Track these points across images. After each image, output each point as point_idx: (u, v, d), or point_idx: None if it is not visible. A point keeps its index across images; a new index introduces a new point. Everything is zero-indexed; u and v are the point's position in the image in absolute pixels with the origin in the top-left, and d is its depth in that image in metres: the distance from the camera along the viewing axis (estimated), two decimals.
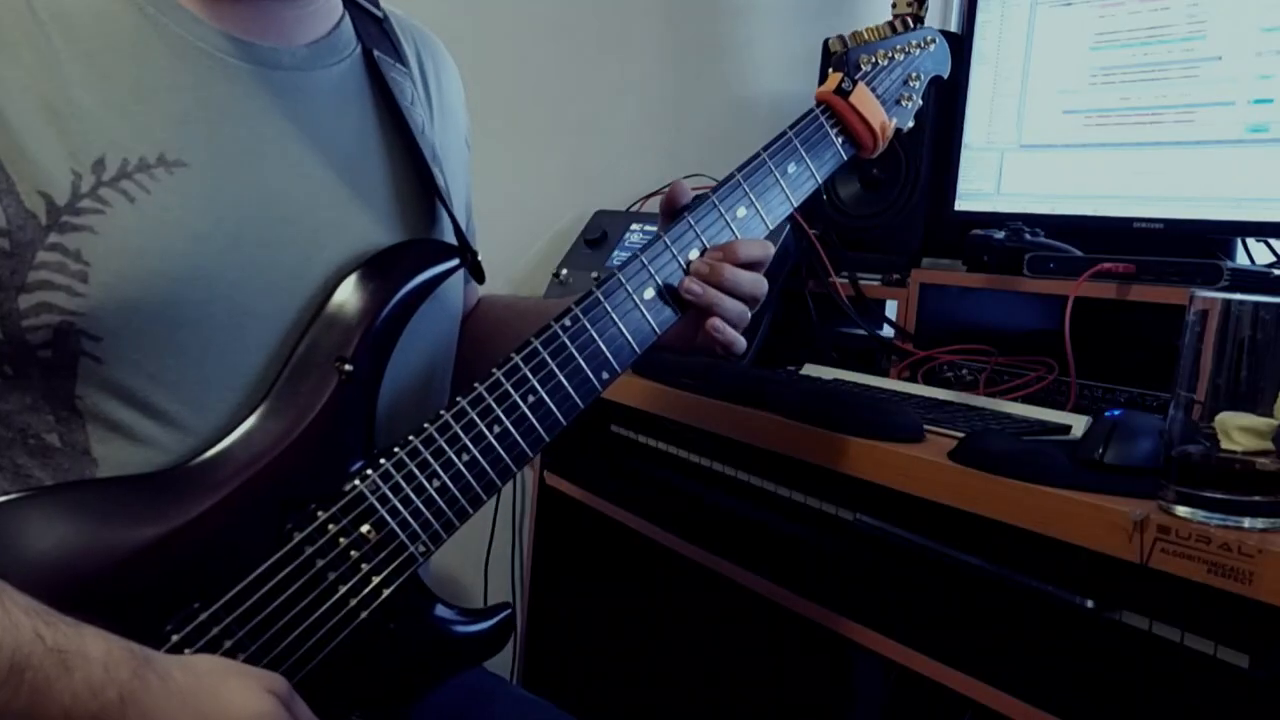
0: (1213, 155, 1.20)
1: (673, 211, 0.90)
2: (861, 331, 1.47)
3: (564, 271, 1.68)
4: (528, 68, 1.81)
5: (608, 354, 0.85)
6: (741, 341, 0.91)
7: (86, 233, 0.72)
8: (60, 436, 0.75)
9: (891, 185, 1.50)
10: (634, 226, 1.68)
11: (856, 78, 0.95)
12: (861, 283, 1.47)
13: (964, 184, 1.45)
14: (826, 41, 1.61)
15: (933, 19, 1.75)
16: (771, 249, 0.91)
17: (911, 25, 1.01)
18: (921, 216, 1.48)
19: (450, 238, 0.91)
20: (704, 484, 1.35)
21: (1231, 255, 1.29)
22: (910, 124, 1.01)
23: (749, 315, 0.90)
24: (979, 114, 1.44)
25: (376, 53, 0.89)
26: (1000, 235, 1.29)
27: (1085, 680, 0.88)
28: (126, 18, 0.76)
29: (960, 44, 1.46)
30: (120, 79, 0.75)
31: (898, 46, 0.99)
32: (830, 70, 0.97)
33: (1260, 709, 0.77)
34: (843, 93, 0.94)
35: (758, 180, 0.91)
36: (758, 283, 0.90)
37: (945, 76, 1.06)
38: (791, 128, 0.94)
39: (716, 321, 0.88)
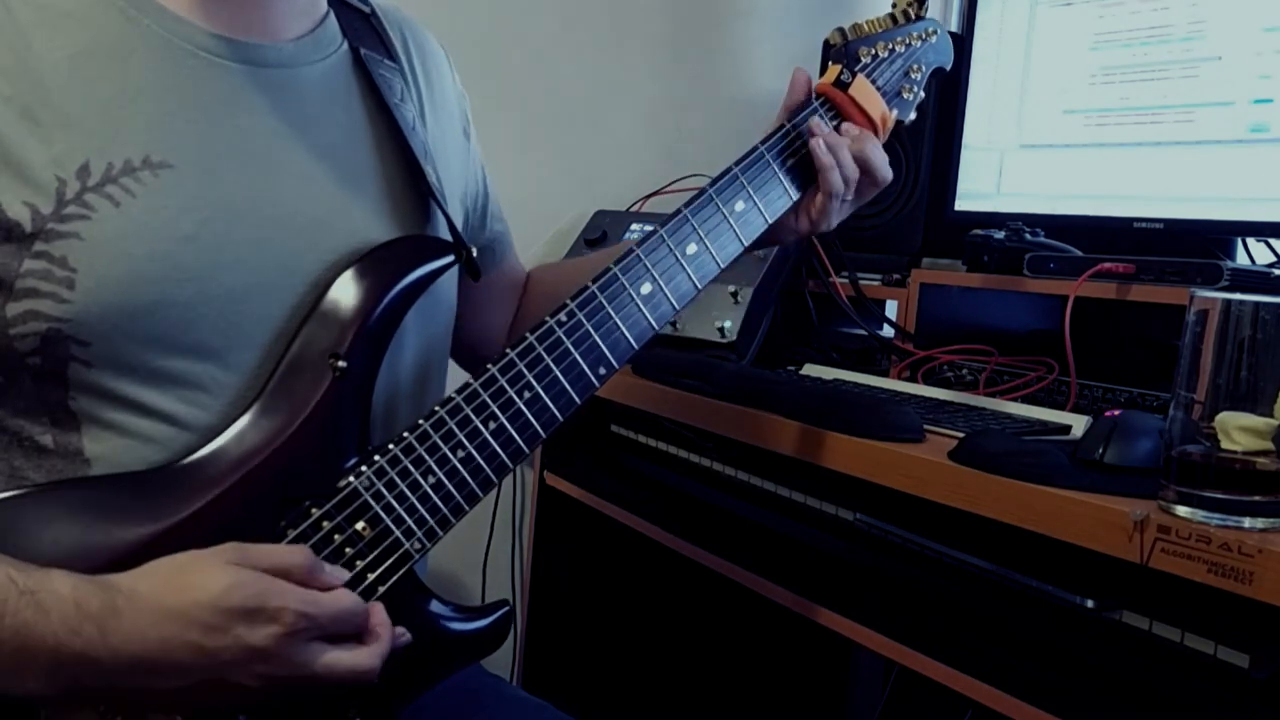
0: (1213, 155, 1.20)
1: (795, 106, 0.95)
2: (861, 331, 1.47)
3: None
4: (528, 68, 1.80)
5: (605, 350, 0.84)
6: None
7: (73, 239, 0.72)
8: (54, 438, 0.75)
9: (891, 185, 1.50)
10: (634, 226, 1.68)
11: (856, 70, 0.95)
12: (861, 283, 1.47)
13: (964, 184, 1.45)
14: (826, 44, 1.61)
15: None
16: (890, 175, 0.96)
17: (913, 17, 1.00)
18: (921, 216, 1.48)
19: (444, 234, 0.90)
20: (704, 484, 1.35)
21: (1231, 255, 1.29)
22: (912, 116, 1.01)
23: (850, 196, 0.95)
24: (979, 114, 1.44)
25: (364, 50, 0.89)
26: (1000, 235, 1.29)
27: (1085, 680, 0.88)
28: (108, 20, 0.76)
29: (960, 44, 1.46)
30: (103, 82, 0.75)
31: (898, 38, 0.98)
32: (830, 63, 0.96)
33: (1260, 709, 0.77)
34: (842, 85, 0.94)
35: (755, 174, 0.91)
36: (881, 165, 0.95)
37: (948, 68, 1.05)
38: (789, 120, 0.94)
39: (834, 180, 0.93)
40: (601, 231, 1.70)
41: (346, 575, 0.75)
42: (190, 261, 0.75)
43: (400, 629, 0.77)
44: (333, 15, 0.90)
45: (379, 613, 0.75)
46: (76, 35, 0.75)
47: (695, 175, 1.78)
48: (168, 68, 0.77)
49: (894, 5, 1.00)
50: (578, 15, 1.84)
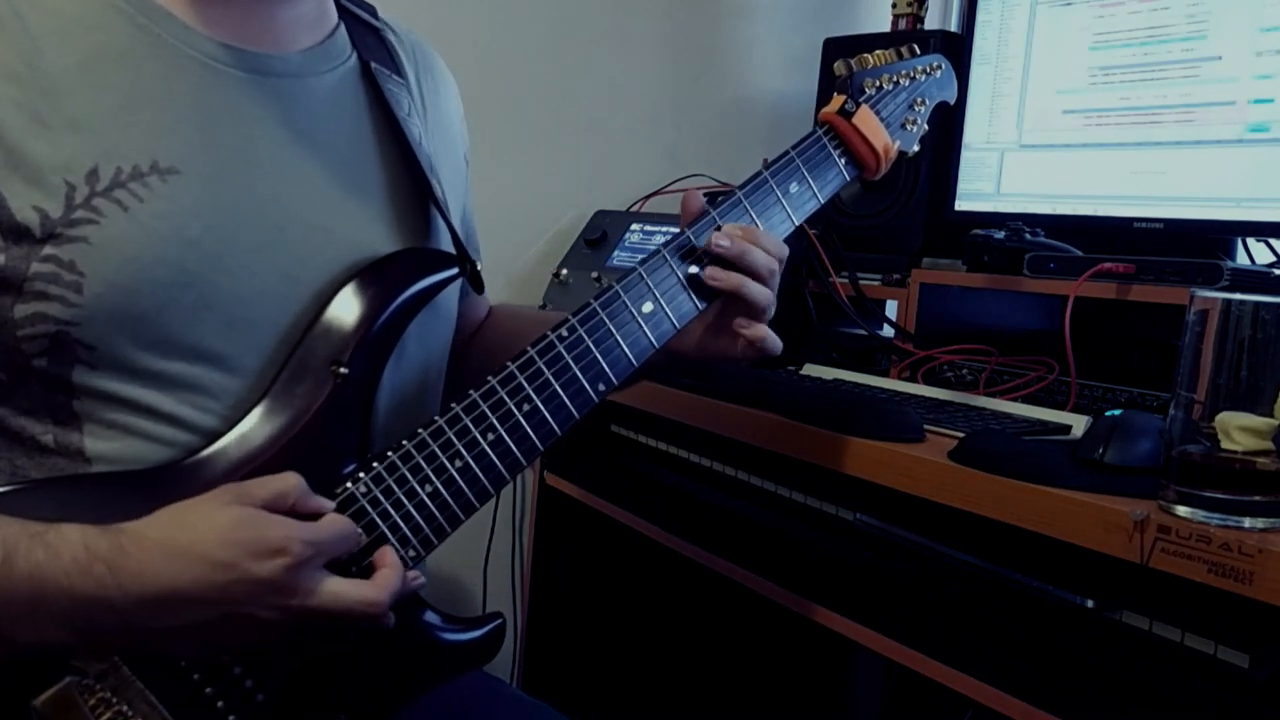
0: (1213, 155, 1.20)
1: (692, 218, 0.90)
2: (861, 331, 1.47)
3: (564, 271, 1.68)
4: (528, 68, 1.81)
5: (604, 366, 0.84)
6: (776, 340, 0.90)
7: (81, 243, 0.72)
8: (55, 437, 0.75)
9: (891, 185, 1.50)
10: (634, 226, 1.68)
11: (860, 100, 0.96)
12: (861, 283, 1.47)
13: (964, 184, 1.45)
14: (826, 44, 1.61)
15: (933, 19, 1.75)
16: (787, 251, 0.91)
17: (918, 52, 1.02)
18: (921, 216, 1.48)
19: (448, 246, 0.91)
20: (704, 484, 1.35)
21: (1231, 255, 1.29)
22: (915, 148, 1.02)
23: (773, 304, 0.89)
24: (979, 114, 1.44)
25: (374, 64, 0.89)
26: (1000, 235, 1.29)
27: (1085, 680, 0.88)
28: (118, 27, 0.76)
29: (960, 44, 1.46)
30: (112, 89, 0.75)
31: (903, 71, 1.00)
32: (835, 93, 0.97)
33: (1260, 709, 0.77)
34: (845, 114, 0.95)
35: (760, 199, 0.91)
36: (769, 262, 0.88)
37: (951, 103, 1.06)
38: (794, 147, 0.94)
39: (743, 321, 0.88)
40: (601, 231, 1.70)
41: (332, 504, 0.76)
42: (194, 266, 0.75)
43: (414, 572, 0.78)
44: (343, 28, 0.90)
45: (388, 552, 0.76)
46: (87, 41, 0.75)
47: (695, 175, 1.79)
48: (175, 75, 0.78)
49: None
50: (577, 15, 1.84)
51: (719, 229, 0.88)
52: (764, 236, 0.89)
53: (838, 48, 1.57)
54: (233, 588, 0.68)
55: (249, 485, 0.72)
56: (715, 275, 0.87)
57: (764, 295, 0.88)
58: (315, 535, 0.71)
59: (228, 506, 0.70)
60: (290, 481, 0.73)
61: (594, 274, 1.62)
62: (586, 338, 0.84)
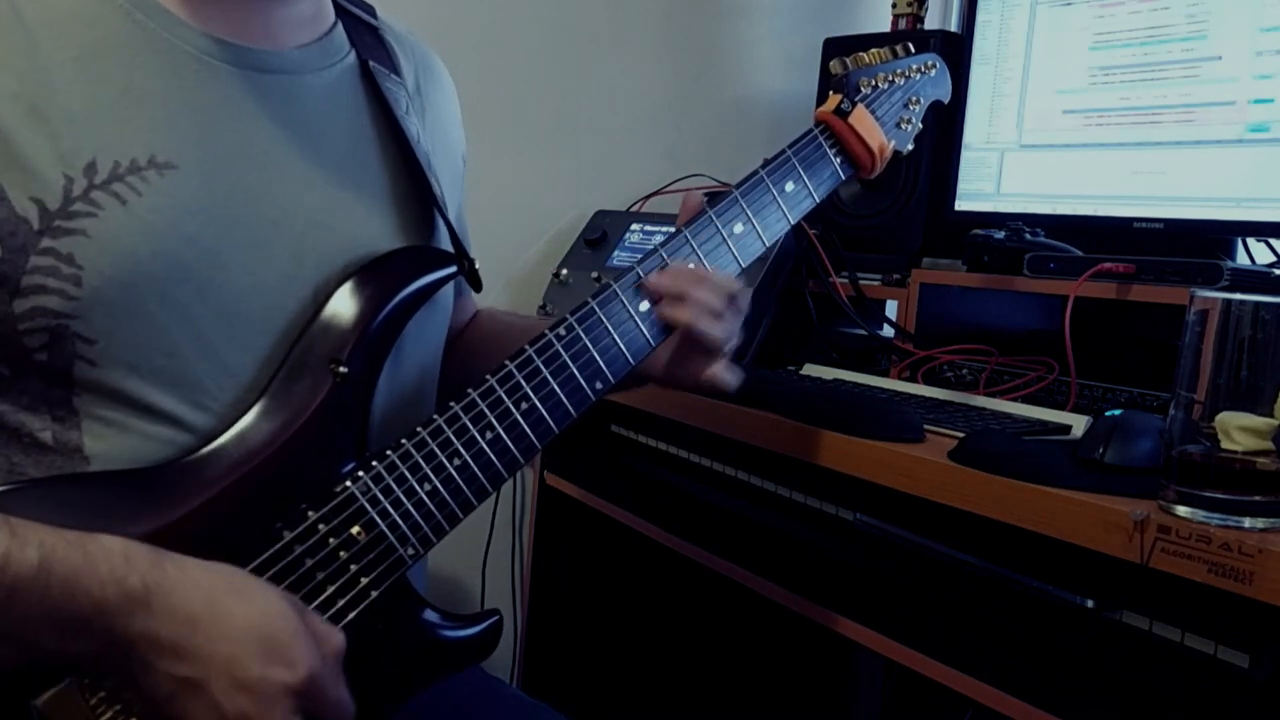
0: (1213, 155, 1.20)
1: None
2: (861, 331, 1.47)
3: (564, 271, 1.68)
4: (528, 68, 1.81)
5: (601, 364, 0.85)
6: (728, 378, 0.92)
7: (79, 236, 0.72)
8: (53, 434, 0.75)
9: (891, 185, 1.50)
10: (634, 226, 1.68)
11: (856, 99, 0.96)
12: (861, 283, 1.47)
13: (964, 184, 1.45)
14: (826, 44, 1.61)
15: (933, 19, 1.75)
16: (738, 285, 0.90)
17: (913, 50, 1.02)
18: (921, 216, 1.48)
19: (446, 244, 0.91)
20: (704, 484, 1.35)
21: (1231, 255, 1.29)
22: (910, 147, 1.02)
23: (729, 339, 0.89)
24: (979, 114, 1.44)
25: (372, 62, 0.89)
26: (1000, 235, 1.29)
27: (1085, 680, 0.88)
28: (114, 23, 0.76)
29: (960, 44, 1.46)
30: (109, 83, 0.75)
31: (898, 70, 1.00)
32: (830, 92, 0.97)
33: (1260, 709, 0.77)
34: (841, 113, 0.95)
35: (756, 197, 0.92)
36: (712, 301, 0.87)
37: (946, 101, 1.06)
38: (790, 146, 0.95)
39: (713, 366, 0.90)
40: (601, 231, 1.70)
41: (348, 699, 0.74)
42: (191, 262, 0.75)
43: None
44: (341, 26, 0.90)
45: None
46: (83, 36, 0.75)
47: (695, 175, 1.79)
48: (170, 70, 0.78)
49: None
50: (577, 15, 1.84)
51: (665, 267, 0.88)
52: (708, 276, 0.88)
53: (838, 48, 1.57)
54: (229, 663, 0.67)
55: (307, 610, 0.73)
56: (664, 312, 0.87)
57: (719, 331, 0.88)
58: (325, 682, 0.71)
59: (284, 599, 0.71)
60: (338, 640, 0.73)
61: (594, 274, 1.62)
62: (584, 336, 0.84)
